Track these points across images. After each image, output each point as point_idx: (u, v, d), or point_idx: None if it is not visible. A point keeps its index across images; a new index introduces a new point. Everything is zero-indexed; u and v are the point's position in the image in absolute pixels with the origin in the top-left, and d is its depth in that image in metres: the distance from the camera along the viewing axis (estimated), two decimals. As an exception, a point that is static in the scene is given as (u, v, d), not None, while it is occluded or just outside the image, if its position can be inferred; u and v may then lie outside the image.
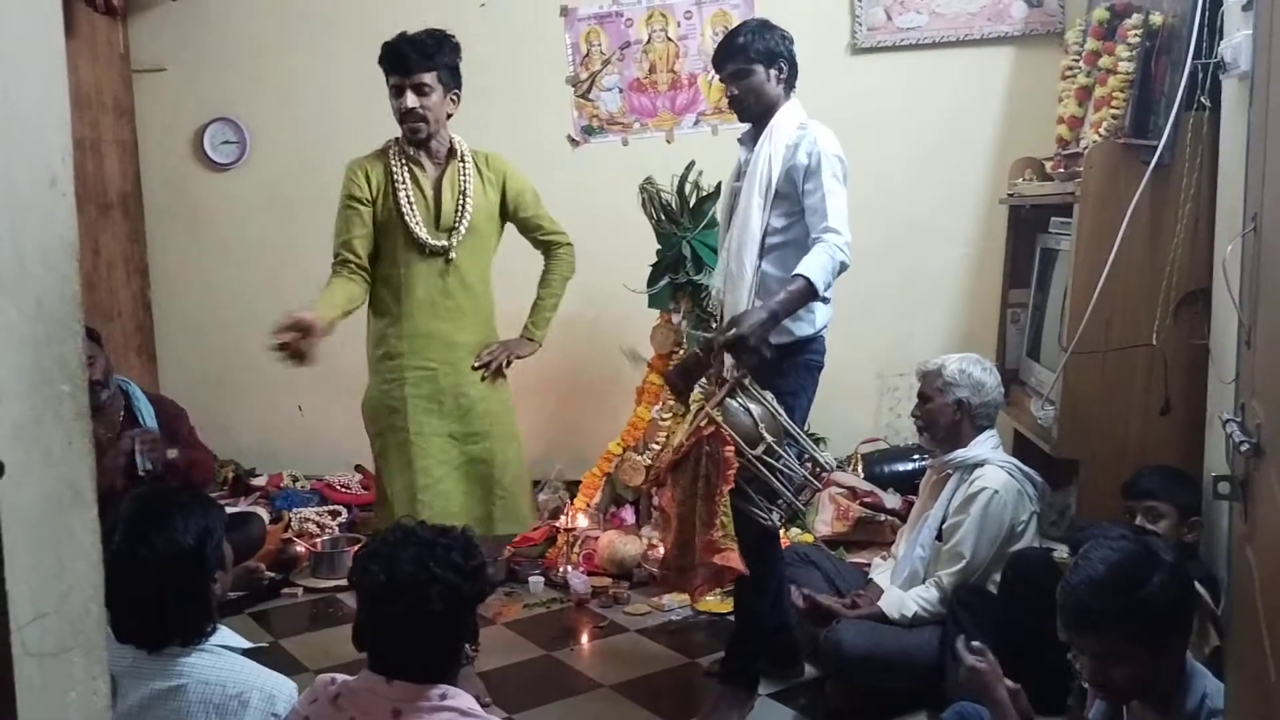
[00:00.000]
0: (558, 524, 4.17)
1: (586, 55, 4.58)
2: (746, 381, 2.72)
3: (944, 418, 3.00)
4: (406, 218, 3.00)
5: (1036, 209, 3.77)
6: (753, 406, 2.69)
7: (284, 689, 1.91)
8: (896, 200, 4.39)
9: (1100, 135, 3.12)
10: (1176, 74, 2.93)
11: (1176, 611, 1.83)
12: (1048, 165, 3.73)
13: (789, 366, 2.86)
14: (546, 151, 4.62)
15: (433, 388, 3.09)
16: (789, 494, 2.72)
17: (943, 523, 2.95)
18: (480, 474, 3.14)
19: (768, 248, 2.87)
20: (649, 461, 4.04)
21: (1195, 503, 2.76)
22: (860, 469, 4.28)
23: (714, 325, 3.24)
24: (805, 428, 3.91)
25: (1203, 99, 2.90)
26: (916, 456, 4.14)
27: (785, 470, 2.70)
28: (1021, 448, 3.59)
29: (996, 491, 2.86)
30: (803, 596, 3.00)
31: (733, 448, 2.60)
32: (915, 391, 3.18)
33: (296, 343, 2.72)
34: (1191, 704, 1.84)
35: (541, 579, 3.94)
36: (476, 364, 3.14)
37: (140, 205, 4.89)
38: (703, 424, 2.67)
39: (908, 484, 4.04)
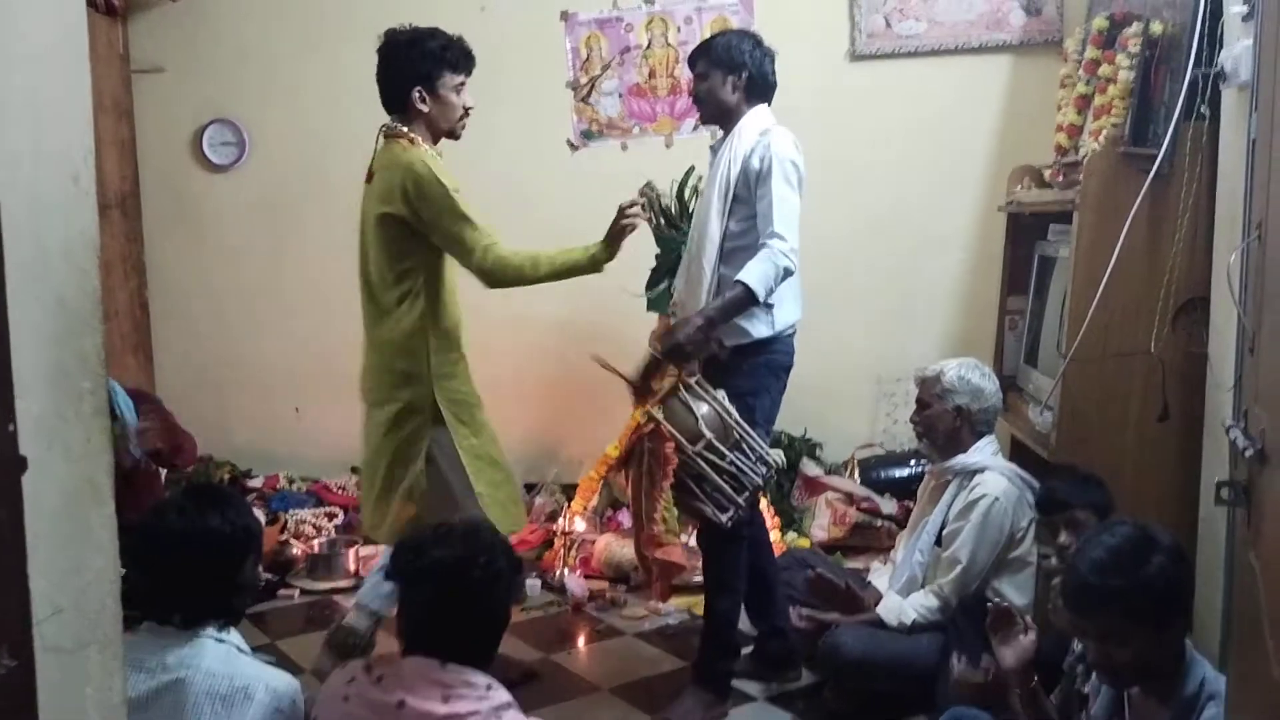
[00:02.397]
0: (554, 527, 4.18)
1: (586, 60, 4.59)
2: (693, 381, 2.77)
3: (943, 424, 3.01)
4: None
5: (1035, 216, 3.78)
6: (700, 405, 2.74)
7: (289, 685, 1.94)
8: (894, 206, 4.40)
9: (1099, 144, 3.13)
10: (1176, 83, 2.95)
11: (1177, 591, 1.88)
12: (1046, 173, 3.74)
13: (747, 367, 2.91)
14: (546, 155, 4.63)
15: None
16: (729, 491, 2.76)
17: (942, 529, 2.96)
18: None
19: (726, 251, 2.92)
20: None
21: (1106, 500, 2.67)
22: (857, 474, 4.29)
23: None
24: (774, 428, 3.90)
25: (1202, 108, 2.91)
26: (914, 462, 4.16)
27: (728, 468, 2.74)
28: (1019, 454, 3.59)
29: (997, 498, 2.87)
30: (802, 615, 3.00)
31: (672, 445, 2.65)
32: (911, 396, 3.19)
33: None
34: (1190, 689, 1.88)
35: (538, 582, 3.94)
36: None
37: (138, 205, 4.88)
38: (642, 421, 2.73)
39: (905, 489, 4.05)
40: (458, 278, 3.06)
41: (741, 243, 2.90)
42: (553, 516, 4.32)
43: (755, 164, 2.87)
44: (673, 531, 2.71)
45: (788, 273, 2.79)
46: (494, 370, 4.67)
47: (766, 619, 3.16)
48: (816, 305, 4.38)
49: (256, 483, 4.71)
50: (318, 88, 4.74)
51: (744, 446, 2.79)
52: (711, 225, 2.94)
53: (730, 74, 2.97)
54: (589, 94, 4.61)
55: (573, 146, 4.65)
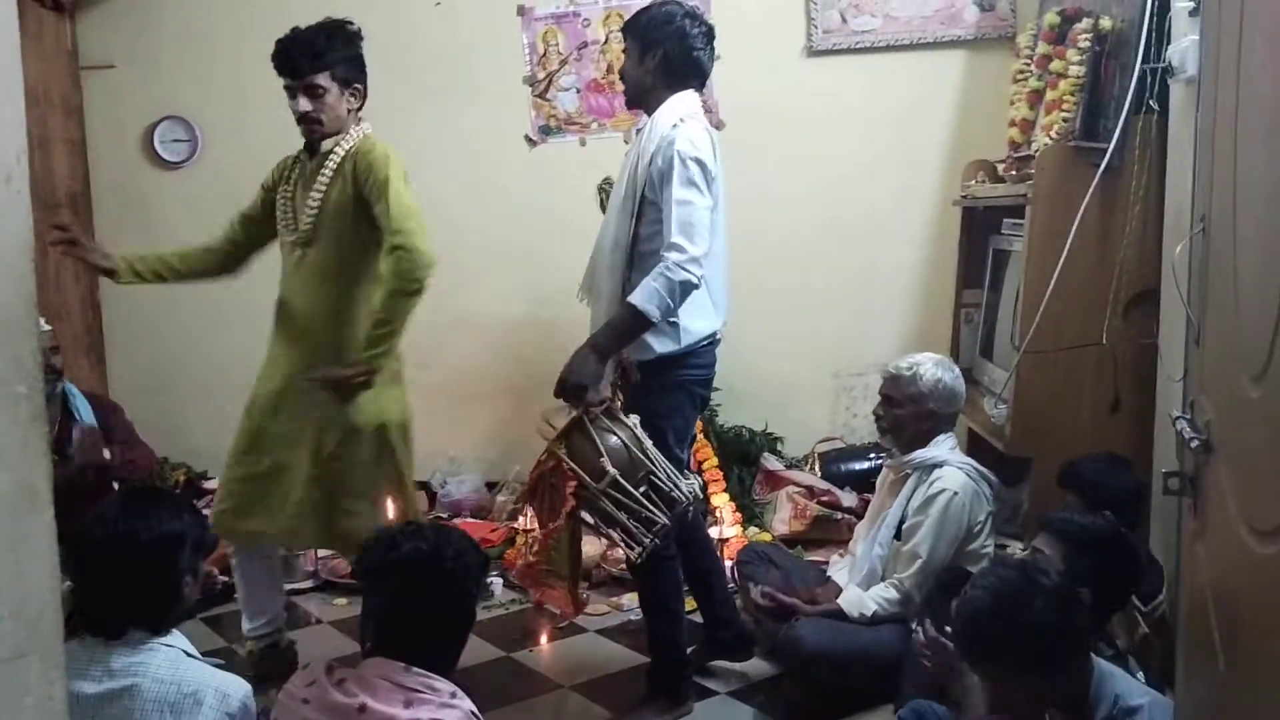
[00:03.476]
0: (516, 525, 4.16)
1: (544, 55, 4.57)
2: (600, 412, 2.59)
3: (913, 425, 2.98)
4: (278, 211, 3.02)
5: (989, 210, 3.82)
6: (607, 437, 2.56)
7: (239, 689, 1.91)
8: (851, 201, 4.42)
9: (1051, 138, 3.17)
10: (1125, 78, 2.99)
11: (1064, 632, 1.86)
12: (1000, 167, 3.78)
13: (657, 386, 2.74)
14: (504, 151, 4.61)
15: (272, 386, 3.02)
16: (632, 528, 2.57)
17: (901, 522, 2.97)
18: (281, 482, 2.98)
19: (638, 256, 2.73)
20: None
21: (1113, 495, 2.67)
22: (817, 468, 4.31)
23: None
24: (734, 423, 3.76)
25: (1151, 103, 2.95)
26: (873, 455, 4.18)
27: (634, 506, 2.56)
28: (975, 445, 3.63)
29: (956, 493, 2.87)
30: (763, 594, 3.02)
31: (575, 483, 2.50)
32: (871, 390, 3.19)
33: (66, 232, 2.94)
34: (1103, 711, 1.88)
35: (500, 580, 3.92)
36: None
37: (89, 204, 4.81)
38: (543, 457, 2.58)
39: (865, 483, 4.07)
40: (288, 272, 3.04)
41: (653, 246, 2.68)
42: (514, 515, 4.30)
43: (660, 164, 2.65)
44: (556, 574, 2.61)
45: (688, 286, 2.57)
46: (454, 369, 4.68)
47: (712, 610, 3.14)
48: (775, 300, 4.43)
49: (213, 485, 4.64)
50: (270, 85, 4.59)
51: (655, 480, 2.59)
52: (617, 229, 2.74)
53: (646, 52, 2.74)
54: (547, 89, 4.59)
55: (531, 142, 4.63)
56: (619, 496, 2.54)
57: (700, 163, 2.64)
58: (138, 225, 4.85)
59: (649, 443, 2.62)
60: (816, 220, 4.45)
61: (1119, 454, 2.88)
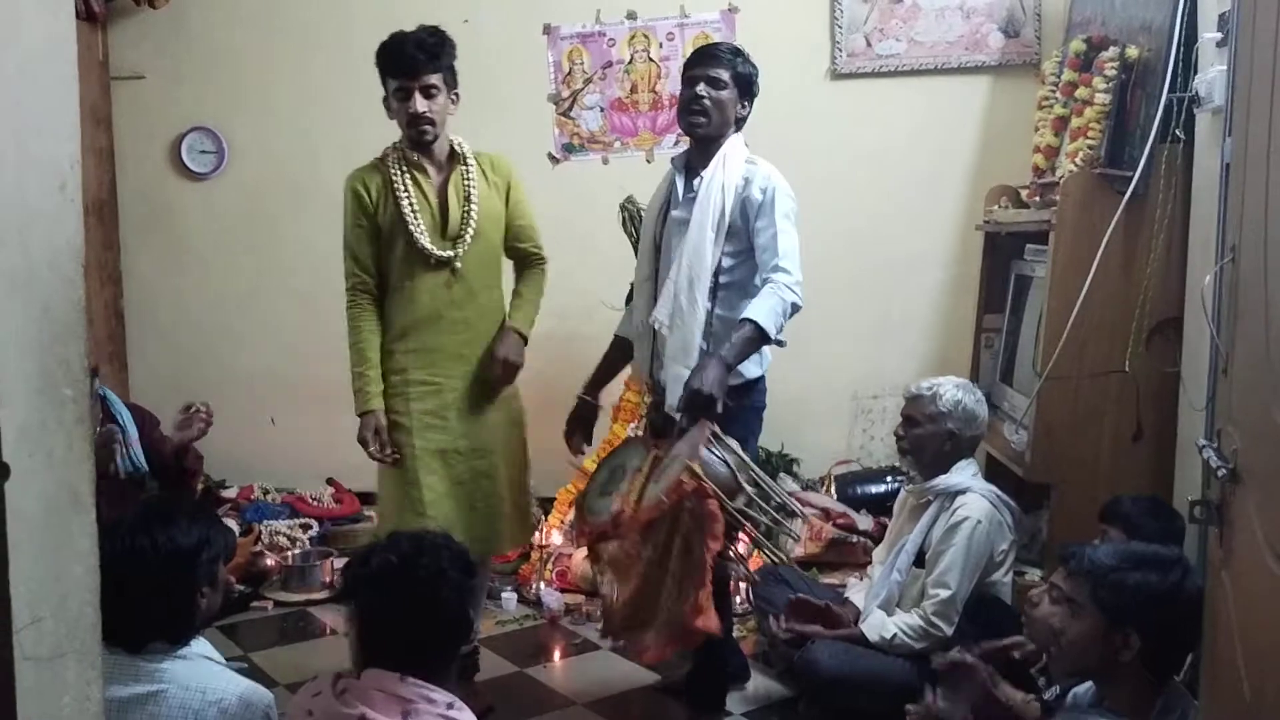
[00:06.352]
0: (532, 541, 4.16)
1: (569, 74, 4.60)
2: (717, 430, 2.60)
3: (933, 446, 2.96)
4: (411, 228, 2.89)
5: (1012, 236, 3.81)
6: (728, 457, 2.57)
7: (263, 698, 1.92)
8: (873, 224, 4.43)
9: (1076, 165, 3.17)
10: (1151, 107, 2.99)
11: (1145, 607, 1.89)
12: (1023, 193, 3.78)
13: (737, 411, 2.79)
14: (527, 168, 4.57)
15: (438, 403, 2.96)
16: (769, 546, 2.65)
17: (923, 550, 2.93)
18: (485, 490, 3.01)
19: (717, 286, 2.82)
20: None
21: (1152, 532, 2.59)
22: (833, 490, 4.30)
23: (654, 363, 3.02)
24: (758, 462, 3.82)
25: (1177, 131, 2.95)
26: (890, 478, 4.17)
27: (764, 521, 2.58)
28: (994, 471, 3.62)
29: (980, 521, 2.84)
30: (783, 628, 3.00)
31: (715, 502, 2.47)
32: (889, 413, 3.19)
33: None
34: None
35: (515, 596, 3.93)
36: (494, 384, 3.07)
37: (115, 213, 4.86)
38: (684, 478, 2.51)
39: (881, 506, 4.06)
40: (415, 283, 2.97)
41: (731, 278, 2.80)
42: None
43: (756, 194, 2.77)
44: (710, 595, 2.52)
45: (795, 308, 2.70)
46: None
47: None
48: (794, 322, 4.40)
49: (231, 493, 4.67)
50: (298, 97, 4.73)
51: (769, 493, 2.62)
52: (706, 256, 2.79)
53: (744, 97, 2.92)
54: (571, 108, 4.63)
55: (554, 160, 4.65)
56: (753, 514, 2.56)
57: (793, 200, 2.82)
58: (163, 235, 4.90)
59: (751, 463, 2.66)
60: (838, 242, 4.46)
61: (1150, 491, 2.87)
